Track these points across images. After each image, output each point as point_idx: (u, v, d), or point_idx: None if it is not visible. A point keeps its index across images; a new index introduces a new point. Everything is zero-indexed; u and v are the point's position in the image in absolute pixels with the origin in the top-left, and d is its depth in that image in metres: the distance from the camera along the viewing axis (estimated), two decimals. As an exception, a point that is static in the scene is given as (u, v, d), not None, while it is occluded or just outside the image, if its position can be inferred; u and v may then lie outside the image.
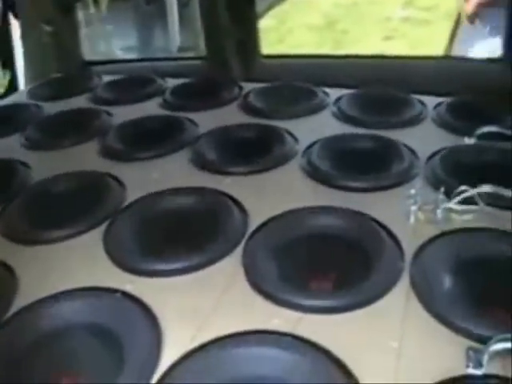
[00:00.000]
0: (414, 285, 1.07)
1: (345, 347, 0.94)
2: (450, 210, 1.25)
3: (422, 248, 1.16)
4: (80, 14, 2.90)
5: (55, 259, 1.24)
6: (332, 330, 0.98)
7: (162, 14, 5.75)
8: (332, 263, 1.17)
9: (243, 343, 0.95)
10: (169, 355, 0.95)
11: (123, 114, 1.98)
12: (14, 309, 1.09)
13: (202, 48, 2.53)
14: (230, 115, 1.92)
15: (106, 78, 2.37)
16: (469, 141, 1.57)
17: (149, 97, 2.14)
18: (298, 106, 1.92)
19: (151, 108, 2.05)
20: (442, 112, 1.78)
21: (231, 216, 1.31)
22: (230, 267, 1.16)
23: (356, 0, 7.43)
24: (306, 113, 1.88)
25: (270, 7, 7.62)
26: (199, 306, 1.06)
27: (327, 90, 2.03)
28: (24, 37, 2.64)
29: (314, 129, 1.75)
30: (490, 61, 2.29)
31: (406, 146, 1.56)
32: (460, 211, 1.25)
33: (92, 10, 5.11)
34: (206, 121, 1.86)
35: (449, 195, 1.26)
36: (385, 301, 1.05)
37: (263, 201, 1.38)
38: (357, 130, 1.72)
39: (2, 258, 1.24)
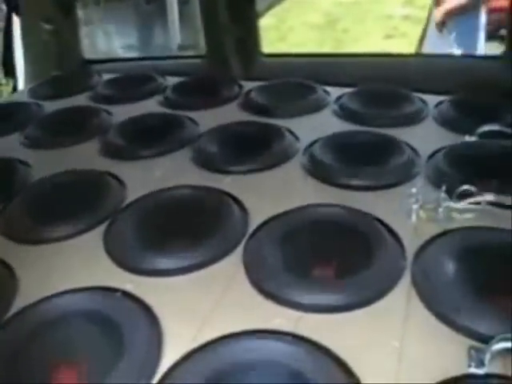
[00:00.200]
0: (416, 284, 1.07)
1: (346, 346, 0.93)
2: (452, 208, 1.25)
3: (423, 247, 1.15)
4: (80, 13, 2.90)
5: (55, 259, 1.24)
6: (333, 330, 0.98)
7: (162, 12, 5.76)
8: (334, 261, 1.17)
9: (245, 343, 0.95)
10: (169, 355, 0.94)
11: (123, 112, 1.97)
12: (14, 309, 1.08)
13: (202, 46, 2.53)
14: (230, 113, 1.92)
15: (106, 77, 2.37)
16: (470, 139, 1.57)
17: (149, 95, 2.14)
18: (299, 105, 1.91)
19: (151, 106, 2.05)
20: (443, 110, 1.78)
21: (232, 215, 1.31)
22: (231, 266, 1.16)
23: (357, -2, 7.43)
24: (307, 111, 1.87)
25: (270, 6, 7.62)
26: (200, 305, 1.06)
27: (328, 88, 2.02)
28: (24, 35, 2.64)
29: (315, 127, 1.75)
30: (491, 58, 2.29)
31: (407, 144, 1.55)
32: (462, 210, 1.25)
33: (91, 6, 5.11)
34: (206, 119, 1.85)
35: (450, 194, 1.26)
36: (386, 300, 1.04)
37: (264, 199, 1.38)
38: (358, 128, 1.72)
39: (1, 258, 1.23)
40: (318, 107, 1.90)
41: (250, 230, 1.26)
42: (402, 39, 6.04)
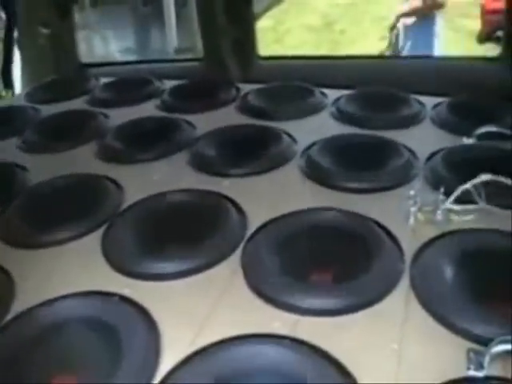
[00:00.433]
0: (414, 286, 1.06)
1: (345, 349, 0.93)
2: (450, 210, 1.24)
3: (421, 249, 1.15)
4: (77, 17, 2.90)
5: (52, 263, 1.23)
6: (332, 333, 0.98)
7: (159, 15, 5.76)
8: (332, 264, 1.16)
9: (243, 346, 0.94)
10: (168, 359, 0.94)
11: (120, 116, 1.97)
12: (11, 314, 1.08)
13: (199, 49, 2.53)
14: (228, 116, 1.92)
15: (103, 80, 2.36)
16: (468, 141, 1.57)
17: (146, 98, 2.14)
18: (297, 107, 1.91)
19: (149, 110, 2.04)
20: (440, 112, 1.78)
21: (230, 218, 1.31)
22: (229, 270, 1.16)
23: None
24: (305, 114, 1.87)
25: (267, 8, 7.63)
26: (198, 309, 1.06)
27: (325, 90, 2.02)
28: (21, 39, 2.64)
29: (312, 130, 1.75)
30: (488, 60, 2.29)
31: (405, 146, 1.55)
32: (460, 212, 1.24)
33: (88, 9, 5.11)
34: (203, 122, 1.85)
35: (448, 196, 1.25)
36: (385, 302, 1.04)
37: (262, 202, 1.37)
38: (355, 130, 1.72)
39: (-1, 262, 1.23)
40: (315, 110, 1.90)
41: (249, 233, 1.26)
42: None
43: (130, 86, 2.24)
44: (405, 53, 4.07)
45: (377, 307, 1.03)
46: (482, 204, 1.24)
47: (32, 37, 2.56)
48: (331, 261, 1.17)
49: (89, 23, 5.33)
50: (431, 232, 1.20)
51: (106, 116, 2.00)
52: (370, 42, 6.07)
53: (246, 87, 2.13)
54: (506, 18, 2.13)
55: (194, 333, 1.00)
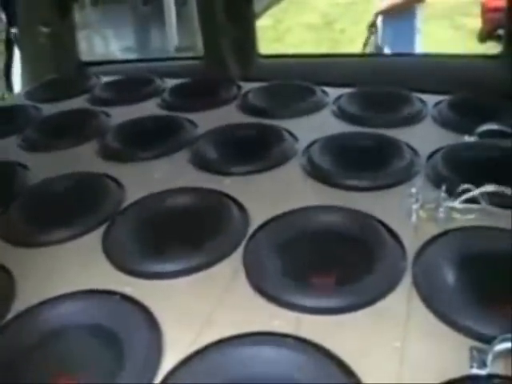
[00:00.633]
0: (417, 284, 1.06)
1: (347, 348, 0.93)
2: (452, 208, 1.24)
3: (424, 247, 1.15)
4: (77, 16, 2.89)
5: (53, 262, 1.23)
6: (334, 331, 0.97)
7: (159, 14, 5.75)
8: (334, 263, 1.16)
9: (245, 345, 0.94)
10: (170, 358, 0.94)
11: (121, 114, 1.97)
12: (12, 312, 1.08)
13: (199, 48, 2.53)
14: (229, 115, 1.91)
15: (104, 79, 2.36)
16: (469, 139, 1.56)
17: (147, 97, 2.13)
18: (298, 105, 1.91)
19: (149, 108, 2.04)
20: (442, 110, 1.78)
21: (231, 216, 1.30)
22: (231, 268, 1.15)
23: (353, -1, 7.44)
24: (306, 112, 1.87)
25: (267, 7, 7.63)
26: (200, 307, 1.05)
27: (326, 89, 2.02)
28: (21, 38, 2.63)
29: (313, 128, 1.75)
30: (489, 58, 2.29)
31: (406, 144, 1.55)
32: (462, 210, 1.24)
33: (89, 7, 5.11)
34: (205, 121, 1.85)
35: (450, 193, 1.25)
36: (387, 301, 1.04)
37: (263, 201, 1.37)
38: (357, 128, 1.71)
39: (-1, 261, 1.23)
40: (316, 108, 1.90)
41: (250, 231, 1.26)
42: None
43: (130, 84, 2.24)
44: (386, 51, 4.00)
45: (379, 305, 1.03)
46: (484, 203, 1.24)
47: (32, 36, 2.55)
48: (333, 259, 1.17)
49: (89, 22, 5.33)
50: (433, 230, 1.20)
51: (106, 114, 1.99)
52: (369, 40, 6.07)
53: (246, 85, 2.13)
54: (506, 16, 2.12)
55: (196, 331, 0.99)
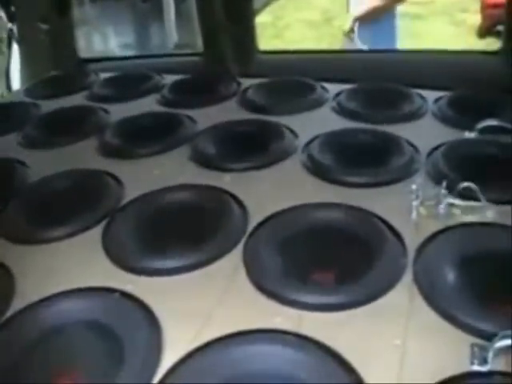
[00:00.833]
0: (417, 281, 1.06)
1: (348, 345, 0.93)
2: (452, 205, 1.24)
3: (424, 244, 1.15)
4: (76, 12, 2.89)
5: (53, 259, 1.23)
6: (335, 328, 0.97)
7: (158, 11, 5.73)
8: (334, 260, 1.16)
9: (245, 342, 0.94)
10: (170, 355, 0.94)
11: (121, 111, 1.96)
12: (12, 310, 1.07)
13: (199, 45, 2.52)
14: (228, 111, 1.91)
15: (103, 76, 2.36)
16: (469, 135, 1.56)
17: (146, 94, 2.13)
18: (298, 102, 1.91)
19: (149, 105, 2.04)
20: (442, 106, 1.77)
21: (231, 213, 1.30)
22: (231, 265, 1.15)
23: (353, -5, 7.41)
24: (306, 108, 1.86)
25: (267, 3, 7.61)
26: (200, 304, 1.05)
27: (326, 85, 2.01)
28: (20, 35, 2.63)
29: (313, 124, 1.74)
30: (489, 54, 2.28)
31: (406, 140, 1.55)
32: (462, 206, 1.24)
33: (87, 4, 5.09)
34: (204, 117, 1.84)
35: (450, 190, 1.25)
36: (388, 298, 1.03)
37: (263, 197, 1.37)
38: (357, 124, 1.71)
39: (-1, 258, 1.22)
40: (316, 104, 1.89)
41: (250, 227, 1.25)
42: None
43: (130, 81, 2.23)
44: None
45: (380, 302, 1.02)
46: (484, 200, 1.23)
47: (31, 33, 2.55)
48: (333, 256, 1.17)
49: (88, 19, 5.32)
50: (434, 226, 1.20)
51: (106, 111, 1.99)
52: (369, 36, 6.05)
53: (246, 82, 2.12)
54: (506, 12, 2.12)
55: (196, 329, 0.99)
